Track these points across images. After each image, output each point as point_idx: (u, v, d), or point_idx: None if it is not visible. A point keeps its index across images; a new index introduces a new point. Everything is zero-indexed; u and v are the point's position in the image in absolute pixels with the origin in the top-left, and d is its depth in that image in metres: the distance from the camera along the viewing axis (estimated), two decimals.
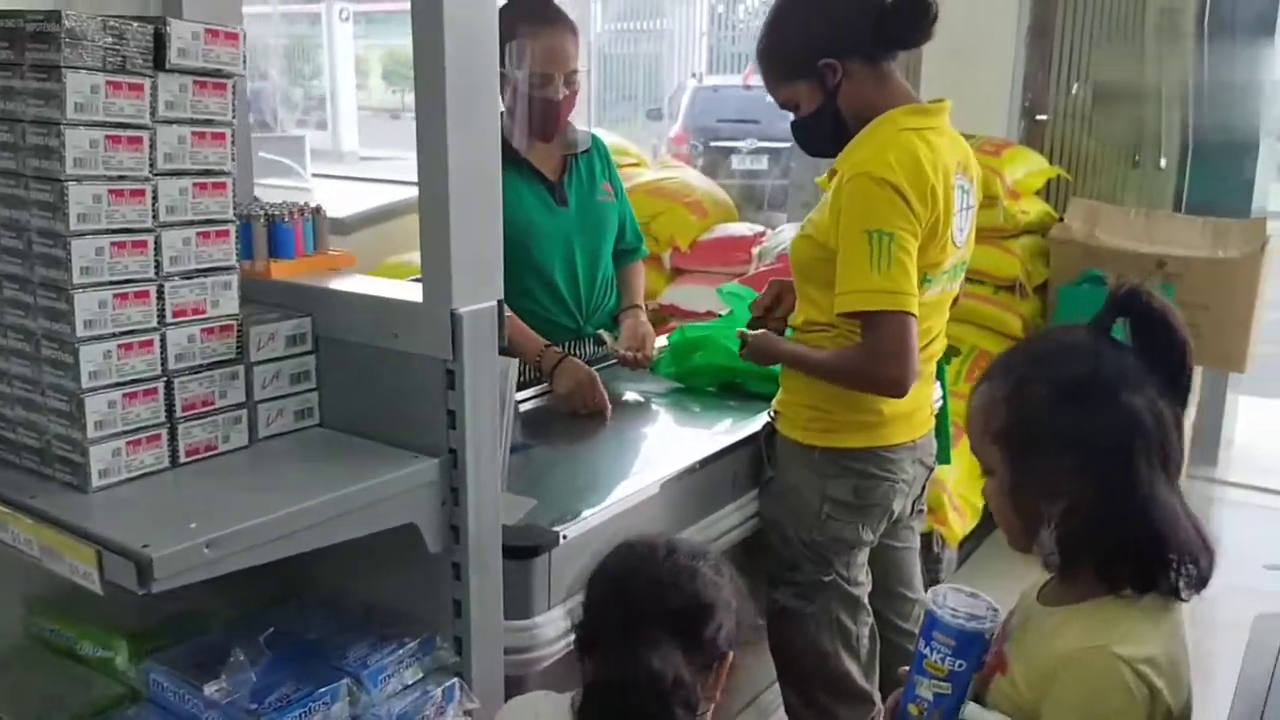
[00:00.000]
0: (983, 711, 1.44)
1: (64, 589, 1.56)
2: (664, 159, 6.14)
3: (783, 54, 2.25)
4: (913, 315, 2.05)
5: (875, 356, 2.08)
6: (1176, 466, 1.40)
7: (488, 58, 1.70)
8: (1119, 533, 1.36)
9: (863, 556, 2.35)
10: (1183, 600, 1.39)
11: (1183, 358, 1.40)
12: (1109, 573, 1.38)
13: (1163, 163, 4.59)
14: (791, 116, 2.30)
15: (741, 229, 4.79)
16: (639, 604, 1.53)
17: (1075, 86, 4.68)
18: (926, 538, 3.66)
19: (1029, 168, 4.42)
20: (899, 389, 2.11)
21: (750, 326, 2.47)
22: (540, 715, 1.64)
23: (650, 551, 1.60)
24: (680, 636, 1.50)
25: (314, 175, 6.99)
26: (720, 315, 3.02)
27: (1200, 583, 1.37)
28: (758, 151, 7.29)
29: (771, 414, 2.41)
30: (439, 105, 1.64)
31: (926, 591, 1.58)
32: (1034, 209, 4.39)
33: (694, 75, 10.55)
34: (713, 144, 7.99)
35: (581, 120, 3.06)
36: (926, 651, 1.47)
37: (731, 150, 7.53)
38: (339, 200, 5.48)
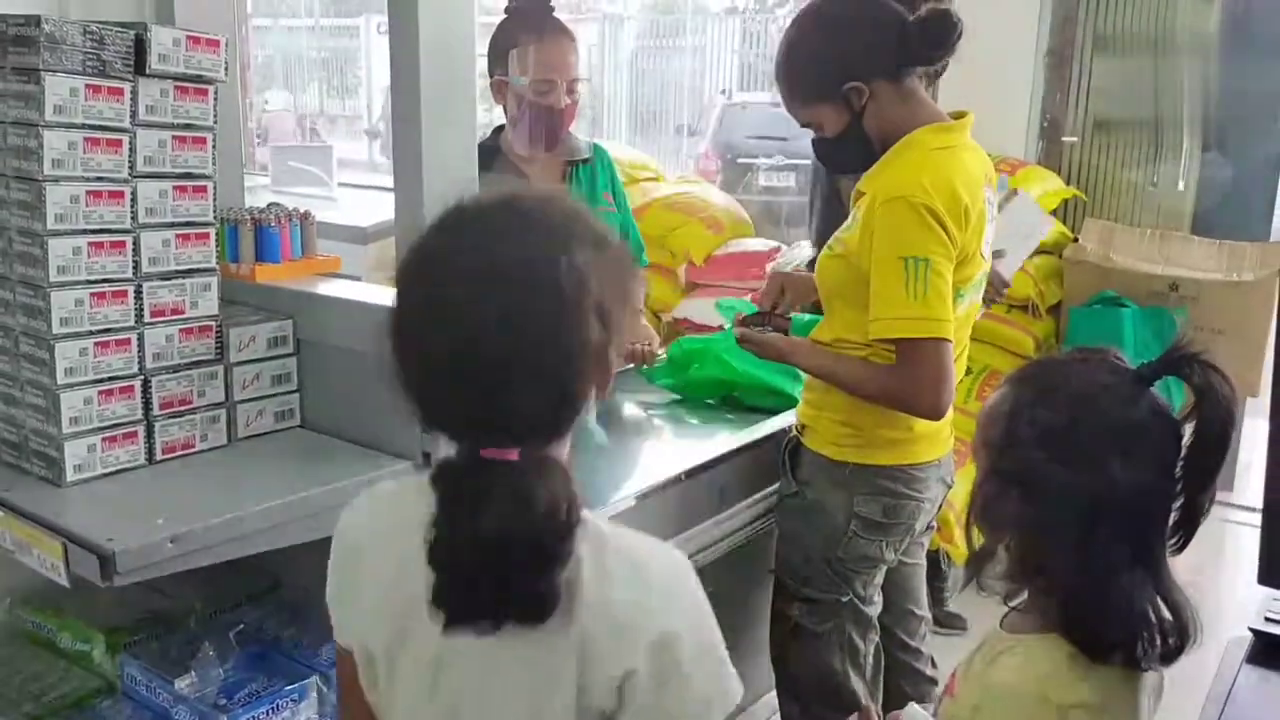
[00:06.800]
0: (919, 711, 1.44)
1: (48, 582, 1.59)
2: (684, 174, 6.15)
3: (805, 77, 2.19)
4: (949, 341, 2.03)
5: (914, 384, 2.05)
6: (1153, 546, 1.32)
7: (464, 67, 1.73)
8: (1048, 590, 1.34)
9: (880, 576, 2.34)
10: (1142, 669, 1.32)
11: (1216, 442, 1.28)
12: (1051, 620, 1.35)
13: (1180, 185, 4.55)
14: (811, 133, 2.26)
15: (756, 244, 4.77)
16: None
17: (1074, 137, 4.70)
18: (933, 555, 3.63)
19: (1044, 188, 4.39)
20: (936, 414, 2.09)
21: (754, 322, 2.41)
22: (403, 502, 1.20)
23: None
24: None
25: (340, 185, 7.07)
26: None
27: (1167, 657, 1.30)
28: (782, 168, 7.29)
29: (797, 428, 2.39)
30: (414, 118, 1.67)
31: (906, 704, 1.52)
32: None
33: (723, 92, 10.59)
34: (739, 160, 8.01)
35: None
36: None
37: (755, 166, 7.54)
38: (363, 209, 5.52)
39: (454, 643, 1.07)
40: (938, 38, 2.10)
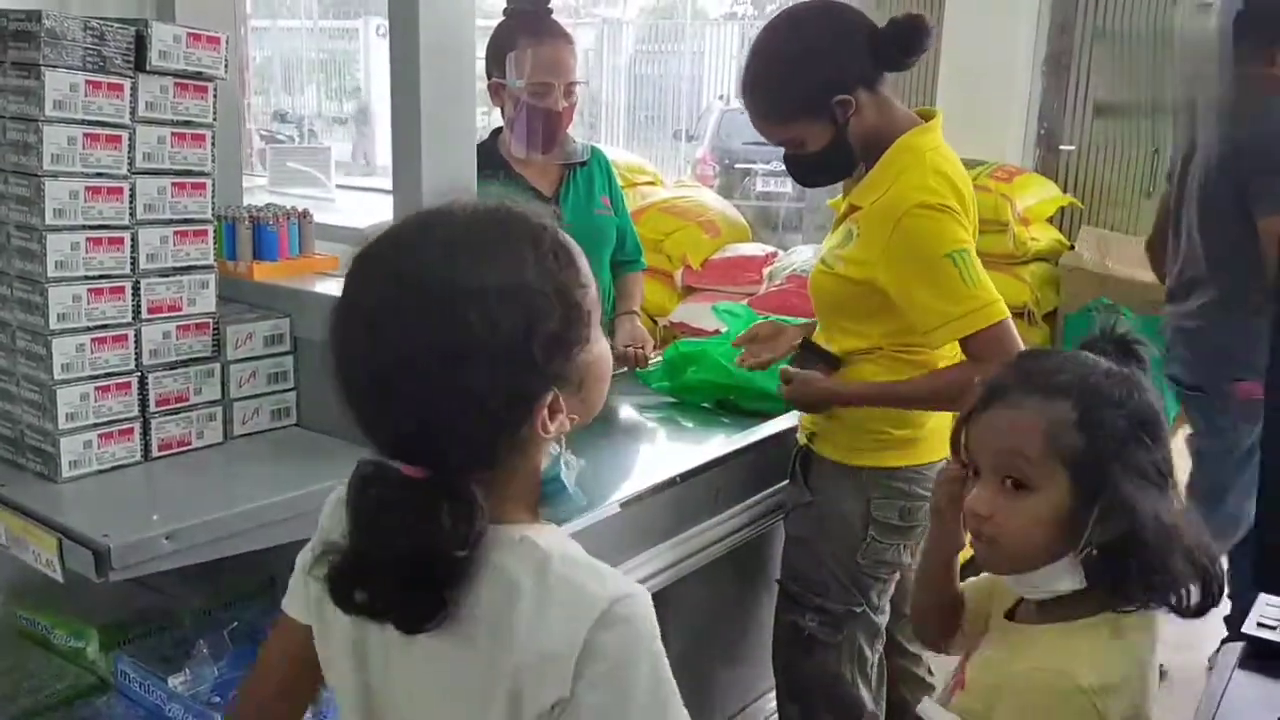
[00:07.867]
0: (937, 708, 1.44)
1: (42, 579, 1.60)
2: (681, 179, 6.16)
3: (786, 93, 2.15)
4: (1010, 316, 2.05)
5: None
6: None
7: (464, 70, 1.73)
8: (1150, 557, 1.33)
9: (893, 585, 2.33)
10: (1181, 616, 1.37)
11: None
12: (1126, 590, 1.35)
13: None
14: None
15: (753, 249, 4.78)
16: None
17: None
18: None
19: (1040, 195, 4.41)
20: None
21: (800, 361, 2.31)
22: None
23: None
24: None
25: (337, 186, 7.09)
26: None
27: (1199, 610, 1.36)
28: (779, 174, 7.30)
29: (806, 435, 2.38)
30: (414, 120, 1.68)
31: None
32: (1044, 236, 4.37)
33: (721, 97, 10.62)
34: (737, 165, 8.03)
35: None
36: None
37: (753, 172, 7.56)
38: (360, 211, 5.54)
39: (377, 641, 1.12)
40: (913, 42, 2.11)
